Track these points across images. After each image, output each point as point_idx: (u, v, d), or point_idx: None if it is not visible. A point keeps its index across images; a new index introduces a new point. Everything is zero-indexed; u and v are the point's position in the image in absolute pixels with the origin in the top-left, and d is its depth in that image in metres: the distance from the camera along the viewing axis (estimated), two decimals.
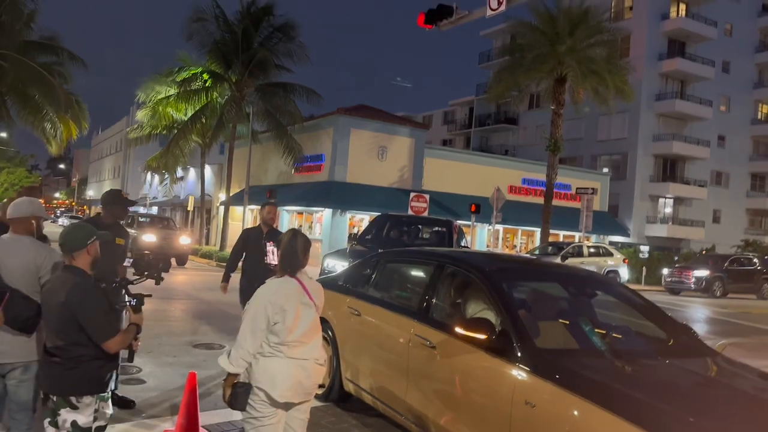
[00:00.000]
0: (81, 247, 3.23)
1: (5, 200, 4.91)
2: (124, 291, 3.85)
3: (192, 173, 38.88)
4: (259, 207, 5.66)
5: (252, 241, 6.94)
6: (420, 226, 14.00)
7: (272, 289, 3.38)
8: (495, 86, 26.14)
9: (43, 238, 3.97)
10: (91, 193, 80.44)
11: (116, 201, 5.11)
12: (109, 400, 3.34)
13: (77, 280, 3.15)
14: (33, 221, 3.64)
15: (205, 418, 4.94)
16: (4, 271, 3.37)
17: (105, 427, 3.33)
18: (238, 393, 3.31)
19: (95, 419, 3.24)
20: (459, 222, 15.79)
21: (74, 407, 3.17)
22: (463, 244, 13.44)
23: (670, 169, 41.52)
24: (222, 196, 31.73)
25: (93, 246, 3.29)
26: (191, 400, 4.64)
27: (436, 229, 13.58)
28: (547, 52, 23.99)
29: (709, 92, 41.68)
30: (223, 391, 3.38)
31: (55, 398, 3.17)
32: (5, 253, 3.43)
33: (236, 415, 5.16)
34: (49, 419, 3.20)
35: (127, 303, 3.58)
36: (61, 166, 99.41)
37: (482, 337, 3.84)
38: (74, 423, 3.16)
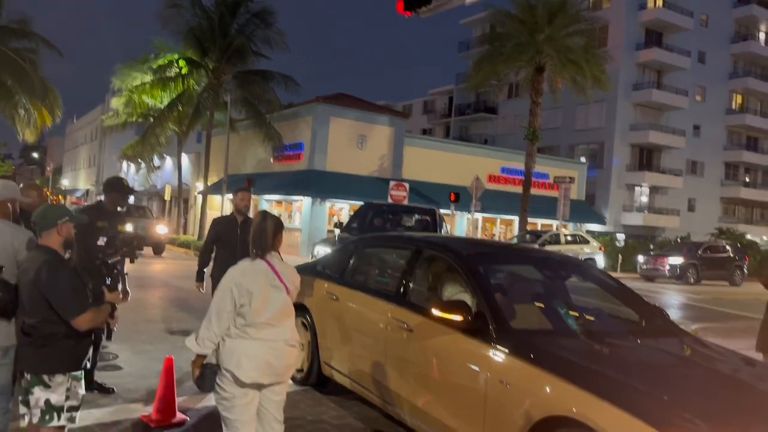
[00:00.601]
0: (51, 227, 3.24)
1: (21, 185, 4.88)
2: (104, 269, 3.85)
3: (169, 162, 38.44)
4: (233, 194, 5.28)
5: (225, 231, 6.24)
6: (405, 215, 14.14)
7: (239, 271, 3.36)
8: (474, 75, 26.19)
9: (18, 221, 3.92)
10: (65, 182, 79.12)
11: (115, 188, 5.14)
12: (82, 381, 3.32)
13: (46, 258, 3.15)
14: (9, 204, 3.63)
15: (182, 403, 4.93)
16: None
17: (78, 407, 3.30)
18: (205, 374, 3.32)
19: (67, 399, 3.23)
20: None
21: (47, 386, 3.18)
22: (443, 233, 13.62)
23: (646, 159, 42.05)
24: (200, 186, 31.43)
25: (64, 226, 3.28)
26: (168, 384, 4.64)
27: (421, 217, 13.74)
28: (526, 41, 24.10)
29: (685, 82, 42.24)
30: (192, 372, 3.38)
31: (28, 376, 3.19)
32: None
33: (213, 400, 5.16)
34: (21, 397, 3.21)
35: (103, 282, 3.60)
36: (35, 155, 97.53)
37: (458, 318, 3.88)
38: (47, 402, 3.17)
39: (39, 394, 3.17)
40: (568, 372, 3.30)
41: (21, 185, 4.70)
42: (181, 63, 27.40)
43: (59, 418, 3.21)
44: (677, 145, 41.70)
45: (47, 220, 3.26)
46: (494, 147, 38.97)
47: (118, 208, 5.34)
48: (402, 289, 4.79)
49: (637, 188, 41.57)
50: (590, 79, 24.58)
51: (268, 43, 27.17)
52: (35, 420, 3.20)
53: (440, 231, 12.75)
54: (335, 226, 16.74)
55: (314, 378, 5.68)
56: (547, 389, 3.29)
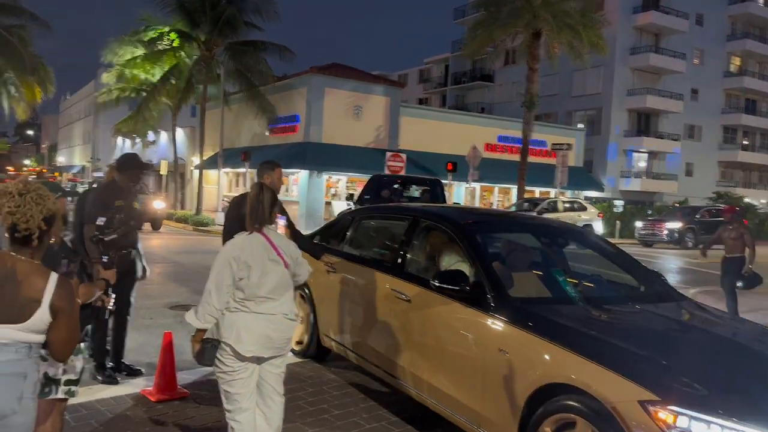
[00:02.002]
0: None
1: (112, 163, 4.94)
2: (100, 246, 3.83)
3: (164, 137, 38.14)
4: (258, 169, 4.74)
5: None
6: (412, 186, 14.28)
7: (237, 245, 3.34)
8: (470, 42, 25.83)
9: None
10: (61, 159, 78.75)
11: (132, 165, 5.06)
12: (80, 355, 3.31)
13: None
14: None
15: (182, 377, 4.95)
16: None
17: (76, 381, 3.31)
18: (205, 348, 3.30)
19: (64, 372, 3.25)
20: None
21: (44, 359, 3.09)
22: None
23: (644, 123, 41.82)
24: (195, 160, 31.25)
25: (59, 202, 3.28)
26: (167, 359, 4.65)
27: (427, 187, 13.91)
28: (522, 6, 23.71)
29: (682, 45, 41.76)
30: (191, 347, 3.37)
31: None
32: None
33: (213, 375, 5.18)
34: None
35: (100, 258, 3.59)
36: (30, 132, 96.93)
37: (456, 288, 3.86)
38: (45, 375, 3.18)
39: (38, 367, 3.17)
40: (567, 339, 3.30)
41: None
42: (172, 35, 26.98)
43: (56, 390, 3.23)
44: (675, 110, 41.42)
45: None
46: (491, 115, 38.70)
47: (133, 186, 5.22)
48: (400, 260, 4.76)
49: (634, 153, 41.42)
50: (587, 44, 24.25)
51: (258, 13, 26.72)
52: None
53: (442, 200, 12.92)
54: (347, 198, 16.88)
55: (313, 350, 5.70)
56: (546, 357, 3.29)
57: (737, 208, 9.25)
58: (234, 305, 3.31)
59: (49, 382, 3.19)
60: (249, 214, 3.38)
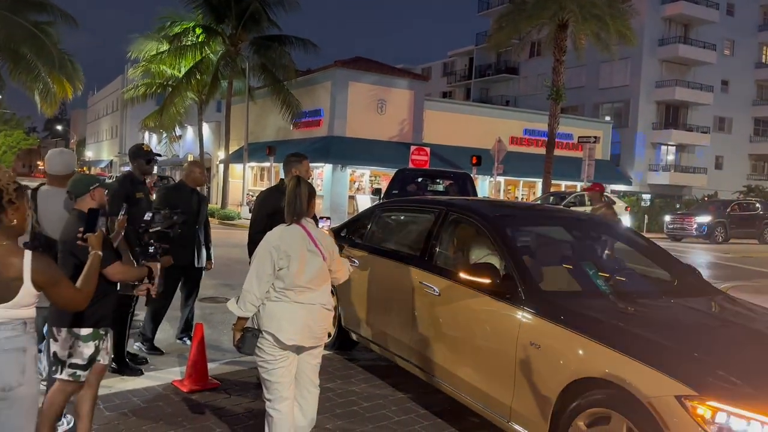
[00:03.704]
0: (84, 192, 3.53)
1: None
2: (148, 237, 4.14)
3: (190, 131, 38.57)
4: (284, 162, 4.80)
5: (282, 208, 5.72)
6: (439, 180, 14.18)
7: (277, 235, 3.39)
8: (496, 34, 25.61)
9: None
10: (89, 153, 80.00)
11: (138, 155, 5.18)
12: (91, 342, 3.39)
13: (77, 219, 3.36)
14: (70, 176, 3.89)
15: (212, 368, 5.00)
16: (44, 221, 3.62)
17: (83, 366, 3.38)
18: (246, 337, 3.36)
19: (70, 356, 3.36)
20: None
21: (55, 339, 3.39)
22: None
23: (672, 116, 41.10)
24: (221, 154, 31.53)
25: (96, 192, 3.54)
26: (199, 350, 4.70)
27: (455, 181, 13.79)
28: None
29: (713, 36, 40.89)
30: (232, 335, 3.42)
31: (45, 326, 3.48)
32: (47, 204, 3.68)
33: (243, 365, 5.24)
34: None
35: (146, 250, 3.98)
36: (59, 127, 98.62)
37: (487, 281, 3.84)
38: (54, 354, 3.39)
39: (51, 346, 3.40)
40: (599, 333, 3.25)
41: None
42: (198, 30, 27.21)
43: (61, 371, 3.36)
44: (704, 102, 40.60)
45: (80, 187, 3.54)
46: (516, 108, 38.36)
47: (146, 177, 5.40)
48: (428, 253, 4.74)
49: (663, 147, 40.74)
50: (615, 35, 23.89)
51: (281, 5, 26.78)
52: (45, 371, 3.47)
53: (473, 194, 12.77)
54: (374, 193, 16.86)
55: (336, 341, 5.74)
56: (579, 351, 3.25)
57: (600, 186, 8.85)
58: (274, 295, 3.36)
59: (56, 361, 3.37)
60: (287, 206, 3.42)
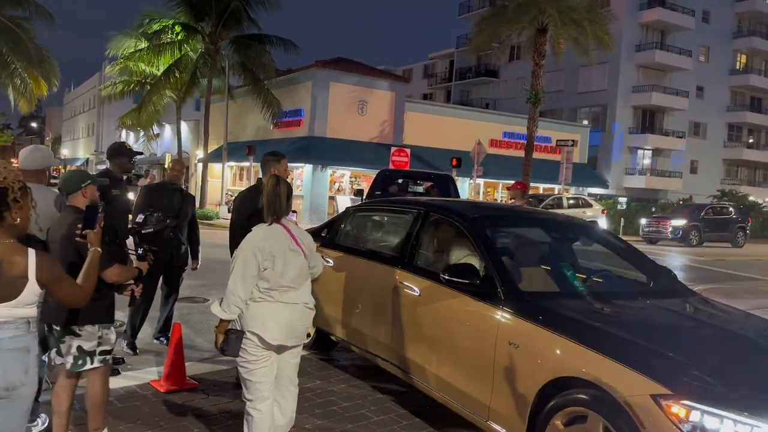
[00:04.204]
0: (76, 190, 3.54)
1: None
2: (136, 238, 4.22)
3: (168, 130, 38.18)
4: (262, 161, 4.76)
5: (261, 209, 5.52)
6: (421, 181, 14.15)
7: (260, 236, 3.37)
8: (476, 37, 25.76)
9: (50, 185, 4.27)
10: (65, 151, 78.75)
11: (120, 153, 5.12)
12: (112, 327, 3.59)
13: (77, 215, 3.35)
14: (46, 171, 4.00)
15: (189, 369, 4.97)
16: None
17: (110, 351, 3.59)
18: (230, 339, 3.33)
19: (99, 344, 3.51)
20: None
21: (77, 335, 3.46)
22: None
23: (649, 121, 41.71)
24: (200, 153, 31.25)
25: (88, 189, 3.56)
26: (177, 350, 4.67)
27: (438, 183, 13.75)
28: (528, 1, 23.63)
29: (689, 42, 41.59)
30: (215, 338, 3.38)
31: (57, 328, 3.45)
32: None
33: (221, 365, 5.21)
34: (55, 349, 3.53)
35: (135, 250, 3.99)
36: (34, 124, 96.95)
37: (467, 281, 3.86)
38: (79, 348, 3.46)
39: (70, 342, 3.45)
40: (577, 333, 3.30)
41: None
42: (177, 28, 26.95)
43: (92, 361, 3.49)
44: (680, 107, 41.28)
45: (73, 184, 3.56)
46: (496, 111, 38.59)
47: (124, 175, 5.35)
48: (408, 253, 4.76)
49: (639, 151, 41.32)
50: (593, 40, 24.19)
51: (262, 4, 26.64)
52: (68, 366, 3.47)
53: (455, 196, 12.76)
54: (356, 194, 16.78)
55: (312, 342, 5.74)
56: (557, 350, 3.29)
57: (523, 185, 8.95)
58: (258, 295, 3.34)
59: (83, 354, 3.46)
60: (267, 205, 3.40)
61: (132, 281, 3.71)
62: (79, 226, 2.97)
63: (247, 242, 3.37)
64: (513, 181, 9.63)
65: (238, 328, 3.37)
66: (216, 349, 3.42)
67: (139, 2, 44.30)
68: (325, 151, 26.60)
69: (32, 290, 2.39)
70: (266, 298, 3.34)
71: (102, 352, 3.53)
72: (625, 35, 38.87)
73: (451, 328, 4.05)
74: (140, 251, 4.00)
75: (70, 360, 3.46)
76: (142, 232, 4.30)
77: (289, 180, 4.77)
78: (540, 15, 23.59)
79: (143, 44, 28.18)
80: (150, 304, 5.65)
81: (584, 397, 3.07)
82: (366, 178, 27.11)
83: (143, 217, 4.44)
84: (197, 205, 27.49)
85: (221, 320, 3.35)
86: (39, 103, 32.05)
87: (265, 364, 3.36)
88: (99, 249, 2.84)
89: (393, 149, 23.28)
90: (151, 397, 4.49)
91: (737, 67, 45.60)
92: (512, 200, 8.88)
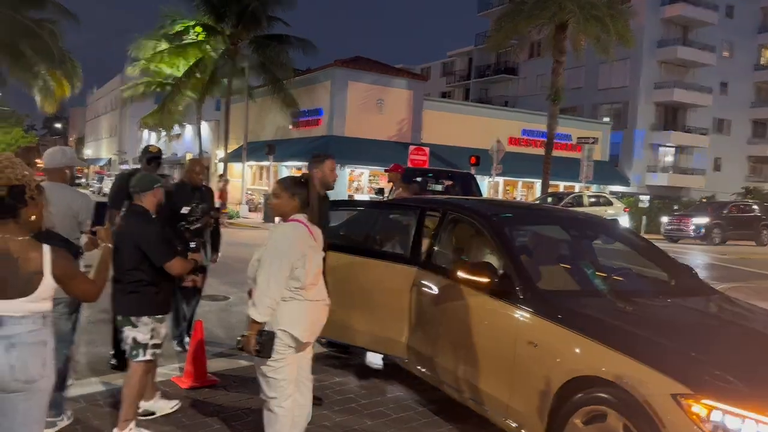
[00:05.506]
0: (147, 190, 3.88)
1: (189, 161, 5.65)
2: (186, 234, 4.50)
3: (189, 130, 38.57)
4: (309, 162, 4.55)
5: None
6: (442, 180, 14.09)
7: (290, 235, 3.35)
8: (495, 35, 25.63)
9: (75, 185, 4.39)
10: (88, 152, 79.92)
11: (156, 158, 5.43)
12: (164, 322, 3.91)
13: (139, 215, 3.79)
14: (67, 171, 4.09)
15: (209, 365, 5.02)
16: (46, 215, 3.61)
17: (160, 345, 3.89)
18: (266, 341, 3.25)
19: (152, 338, 3.81)
20: None
21: (134, 326, 3.79)
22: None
23: (671, 117, 41.17)
24: (220, 153, 31.53)
25: (158, 191, 3.93)
26: (199, 347, 4.72)
27: (457, 181, 13.69)
28: None
29: (712, 38, 40.96)
30: (246, 341, 3.26)
31: (120, 317, 3.85)
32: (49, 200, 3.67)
33: (240, 362, 5.26)
34: (119, 336, 3.94)
35: (187, 244, 4.40)
36: (58, 125, 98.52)
37: (485, 280, 3.84)
38: (134, 339, 3.78)
39: (127, 333, 3.81)
40: (597, 331, 3.28)
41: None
42: (198, 29, 27.22)
43: (144, 353, 3.79)
44: (703, 103, 40.68)
45: (145, 185, 3.90)
46: (515, 109, 38.40)
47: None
48: (426, 252, 4.75)
49: (661, 148, 40.81)
50: (614, 36, 23.93)
51: (279, 4, 26.78)
52: (126, 355, 3.88)
53: (477, 194, 12.64)
54: (377, 192, 16.76)
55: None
56: (576, 349, 3.27)
57: (401, 167, 8.53)
58: (288, 294, 3.33)
59: (137, 346, 3.78)
60: (301, 204, 3.44)
61: (194, 273, 4.05)
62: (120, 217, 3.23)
63: (279, 242, 3.32)
64: (532, 179, 9.54)
65: (266, 329, 3.31)
66: (244, 351, 3.30)
67: (161, 2, 44.79)
68: (344, 150, 26.67)
69: (48, 285, 2.45)
70: (296, 297, 3.34)
71: (154, 345, 3.81)
72: (647, 31, 38.39)
73: (470, 327, 4.04)
74: (193, 244, 4.35)
75: (127, 349, 3.83)
76: (191, 228, 4.54)
77: (334, 179, 4.78)
78: (560, 12, 23.40)
79: (164, 45, 28.49)
80: (178, 302, 5.66)
81: (604, 395, 3.05)
82: (384, 177, 27.13)
83: (188, 209, 4.64)
84: (217, 204, 27.71)
85: (253, 322, 3.26)
86: (62, 104, 32.53)
87: (291, 361, 3.38)
88: (110, 245, 2.86)
89: (411, 148, 23.28)
90: (173, 393, 4.55)
91: (762, 62, 44.78)
92: (390, 183, 8.55)
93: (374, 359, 5.13)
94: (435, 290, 4.37)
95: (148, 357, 3.79)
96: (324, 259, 3.61)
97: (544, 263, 4.49)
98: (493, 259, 4.22)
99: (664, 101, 40.12)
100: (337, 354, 5.74)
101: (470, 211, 4.79)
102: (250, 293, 3.59)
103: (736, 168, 43.73)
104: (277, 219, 3.70)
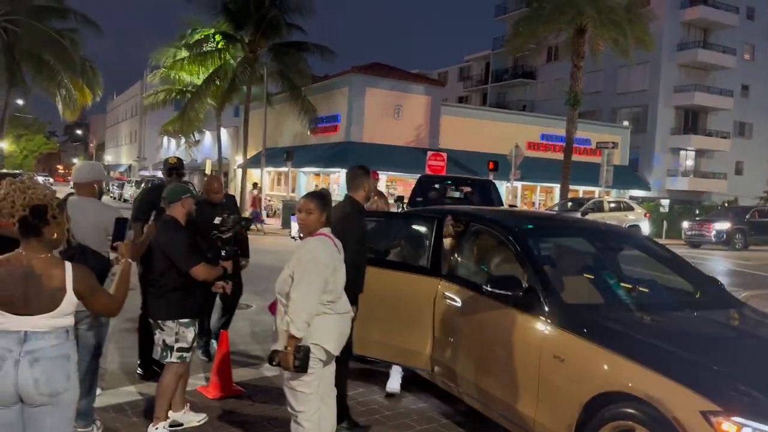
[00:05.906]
0: (176, 200, 4.04)
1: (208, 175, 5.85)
2: (218, 243, 4.59)
3: (208, 137, 38.93)
4: (351, 175, 4.48)
5: (349, 225, 4.14)
6: (461, 187, 14.02)
7: (322, 250, 3.38)
8: (513, 39, 25.59)
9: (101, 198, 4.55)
10: (108, 158, 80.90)
11: (178, 168, 5.54)
12: (192, 327, 4.05)
13: (168, 224, 3.97)
14: (95, 185, 4.22)
15: (234, 374, 5.07)
16: (76, 229, 3.74)
17: (188, 349, 4.04)
18: (303, 357, 3.25)
19: (177, 341, 3.98)
20: None
21: (161, 329, 4.00)
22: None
23: (691, 121, 40.71)
24: (239, 159, 31.77)
25: (186, 201, 4.07)
26: (224, 357, 4.78)
27: (476, 188, 13.58)
28: (567, 2, 23.34)
29: (732, 40, 40.46)
30: (284, 357, 3.25)
31: (151, 321, 4.08)
32: (78, 214, 3.81)
33: (265, 372, 5.30)
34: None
35: (219, 252, 4.47)
36: (78, 132, 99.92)
37: (510, 293, 3.85)
38: (163, 341, 3.99)
39: (158, 336, 4.02)
40: (623, 347, 3.27)
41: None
42: (218, 37, 27.50)
43: (171, 356, 3.97)
44: (724, 107, 40.17)
45: (175, 195, 4.06)
46: (533, 113, 38.21)
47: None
48: (448, 264, 4.76)
49: (682, 152, 40.36)
50: (633, 40, 23.76)
51: (299, 12, 26.96)
52: (156, 356, 4.09)
53: (498, 203, 12.49)
54: (396, 200, 16.73)
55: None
56: (603, 365, 3.27)
57: (374, 173, 8.39)
58: (322, 309, 3.37)
59: (166, 348, 3.98)
60: (328, 220, 3.54)
61: (223, 280, 4.18)
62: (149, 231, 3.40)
63: (313, 258, 3.33)
64: (551, 184, 9.49)
65: (305, 344, 3.30)
66: (280, 366, 3.29)
67: (180, 9, 45.32)
68: (362, 157, 26.64)
69: (70, 301, 2.52)
70: (327, 311, 3.39)
71: (180, 349, 3.97)
72: (666, 34, 38.04)
73: (494, 340, 4.05)
74: (224, 253, 4.44)
75: (158, 351, 4.03)
76: (223, 237, 4.64)
77: (367, 187, 4.61)
78: (578, 16, 23.30)
79: (183, 54, 28.83)
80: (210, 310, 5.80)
81: (631, 411, 3.05)
82: (401, 182, 27.15)
83: (220, 219, 4.77)
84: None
85: (291, 338, 3.23)
86: (83, 111, 33.00)
87: (321, 375, 3.42)
88: (130, 260, 2.91)
89: (429, 153, 23.26)
90: (199, 403, 4.60)
91: None
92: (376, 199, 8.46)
93: (393, 385, 5.11)
94: (458, 302, 4.38)
95: (174, 359, 3.96)
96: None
97: (568, 275, 4.49)
98: (516, 270, 4.21)
99: (684, 105, 39.69)
100: (360, 365, 5.75)
101: (493, 222, 4.79)
102: (271, 307, 3.66)
103: (758, 172, 43.03)
104: (294, 229, 3.79)
